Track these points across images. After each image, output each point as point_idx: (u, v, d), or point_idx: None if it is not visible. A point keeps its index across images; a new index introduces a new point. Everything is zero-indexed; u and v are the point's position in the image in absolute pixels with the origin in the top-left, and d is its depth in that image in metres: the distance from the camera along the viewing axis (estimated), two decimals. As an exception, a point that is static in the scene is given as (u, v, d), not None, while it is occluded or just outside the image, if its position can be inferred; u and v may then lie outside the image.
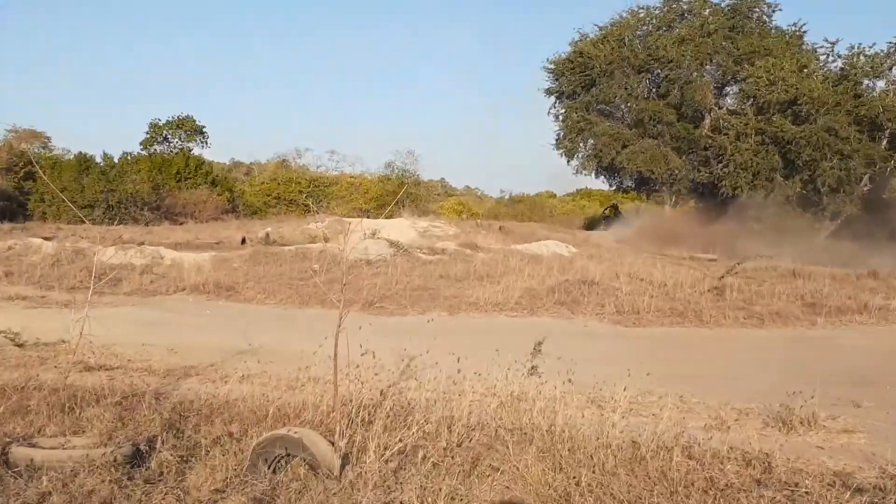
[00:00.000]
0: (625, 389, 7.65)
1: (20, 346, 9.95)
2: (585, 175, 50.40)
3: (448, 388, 7.91)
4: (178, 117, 59.46)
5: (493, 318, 15.18)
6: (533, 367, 8.45)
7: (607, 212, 47.51)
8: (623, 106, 47.86)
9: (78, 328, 8.47)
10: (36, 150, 58.32)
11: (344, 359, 7.87)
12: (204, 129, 60.26)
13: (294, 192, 59.92)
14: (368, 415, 6.72)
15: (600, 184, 57.83)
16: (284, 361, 9.66)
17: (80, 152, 51.56)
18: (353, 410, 6.79)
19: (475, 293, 16.65)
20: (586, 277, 18.33)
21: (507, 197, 78.23)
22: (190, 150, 58.00)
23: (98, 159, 51.50)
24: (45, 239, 22.63)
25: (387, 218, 42.20)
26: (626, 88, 46.31)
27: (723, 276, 18.76)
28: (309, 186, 61.09)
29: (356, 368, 7.39)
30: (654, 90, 47.14)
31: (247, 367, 9.59)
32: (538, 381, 7.99)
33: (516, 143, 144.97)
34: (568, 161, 50.12)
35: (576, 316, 15.41)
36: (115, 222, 40.72)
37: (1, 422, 6.71)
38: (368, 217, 42.05)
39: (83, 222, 40.52)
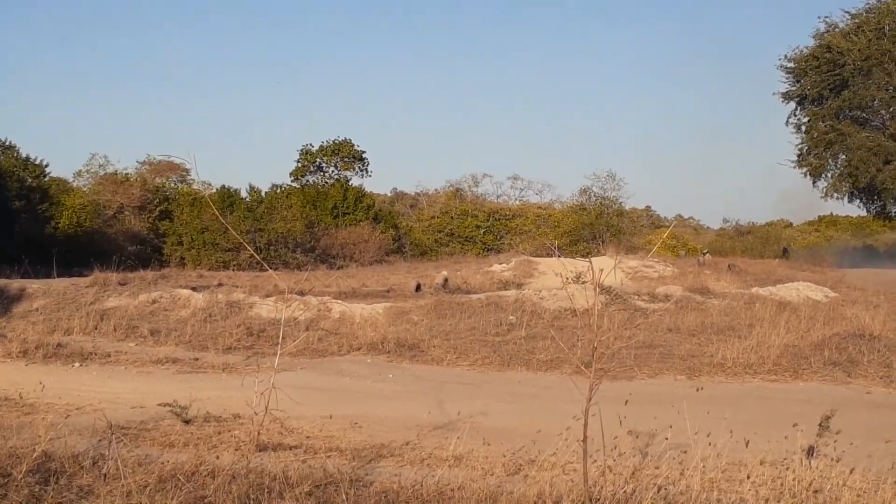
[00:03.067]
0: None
1: (187, 422, 10.19)
2: (837, 199, 48.67)
3: (716, 475, 7.55)
4: (333, 142, 61.11)
5: (745, 382, 14.62)
6: (811, 448, 7.98)
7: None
8: (884, 111, 45.89)
9: (256, 399, 8.58)
10: (173, 184, 61.05)
11: (566, 432, 7.67)
12: (364, 156, 61.67)
13: (470, 227, 60.46)
14: (627, 513, 6.45)
15: (853, 209, 55.67)
16: (494, 438, 9.51)
17: (224, 186, 53.82)
18: (605, 505, 6.54)
19: (718, 351, 16.11)
20: (861, 330, 17.47)
21: (731, 227, 76.58)
22: (348, 181, 59.53)
23: (243, 193, 53.50)
24: (194, 290, 23.49)
25: (585, 256, 41.94)
26: (887, 90, 44.34)
27: None
28: (488, 220, 61.55)
29: (590, 444, 7.11)
30: (924, 90, 44.99)
31: (452, 447, 9.42)
32: (829, 466, 7.53)
33: (739, 162, 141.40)
34: (813, 182, 48.48)
35: (854, 380, 14.67)
36: (263, 267, 41.75)
37: (176, 518, 6.79)
38: (560, 255, 41.88)
39: (227, 268, 42.11)
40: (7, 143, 50.20)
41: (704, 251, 47.97)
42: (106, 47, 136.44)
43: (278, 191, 55.82)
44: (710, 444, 7.61)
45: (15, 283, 25.20)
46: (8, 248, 38.91)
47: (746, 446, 7.53)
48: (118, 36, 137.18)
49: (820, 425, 8.19)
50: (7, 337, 17.25)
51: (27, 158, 50.45)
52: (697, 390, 9.66)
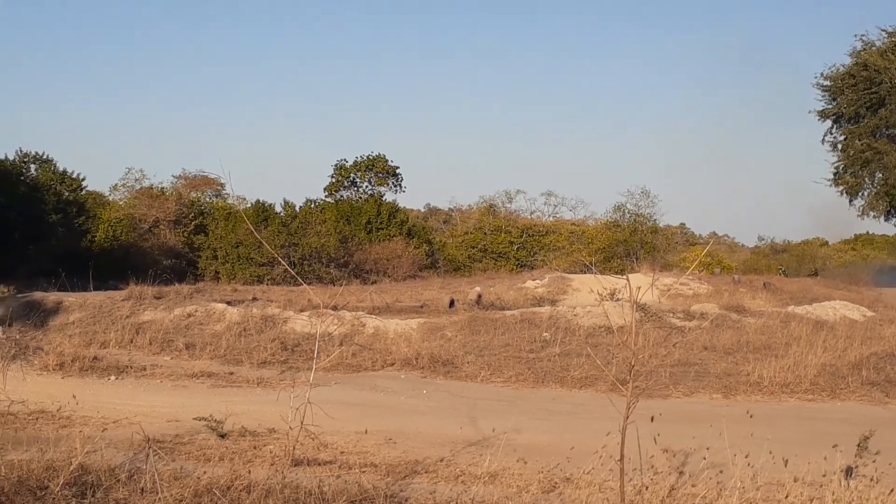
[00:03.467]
0: None
1: (223, 436, 10.22)
2: (874, 217, 48.05)
3: (753, 496, 7.50)
4: (367, 157, 61.30)
5: (782, 402, 14.54)
6: (849, 469, 7.91)
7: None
8: (922, 131, 45.39)
9: (292, 414, 8.60)
10: (208, 199, 61.34)
11: (602, 449, 7.63)
12: (398, 171, 61.84)
13: (504, 243, 60.42)
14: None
15: (889, 228, 55.13)
16: (528, 455, 9.47)
17: (258, 200, 53.99)
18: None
19: (755, 370, 16.02)
20: (900, 350, 17.37)
21: (766, 245, 76.12)
22: (381, 196, 59.60)
23: (278, 208, 53.69)
24: (229, 304, 23.59)
25: (620, 273, 41.77)
26: (925, 109, 43.90)
27: None
28: (521, 236, 61.50)
29: (626, 463, 7.07)
30: (961, 110, 44.43)
31: (486, 464, 9.40)
32: (867, 487, 7.46)
33: (774, 180, 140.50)
34: (850, 200, 47.99)
35: (892, 400, 14.59)
36: (297, 282, 41.59)
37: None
38: (594, 272, 41.73)
39: (261, 283, 42.25)
40: (44, 157, 50.61)
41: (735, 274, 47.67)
42: (142, 62, 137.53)
43: (312, 206, 56.01)
44: (748, 464, 7.56)
45: (52, 297, 25.41)
46: (45, 261, 39.23)
47: (785, 466, 7.48)
48: (154, 51, 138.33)
49: (858, 445, 8.11)
50: (44, 350, 17.36)
51: (64, 172, 50.80)
52: (749, 416, 9.54)
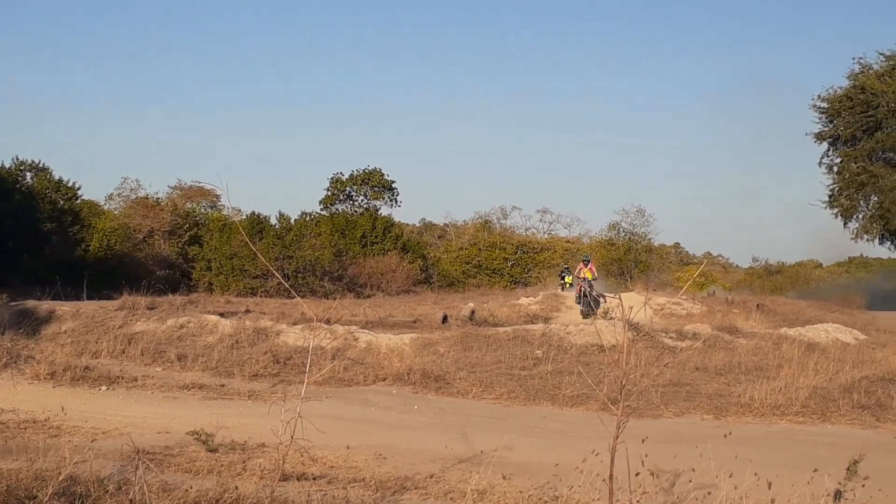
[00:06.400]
0: None
1: (213, 449, 10.21)
2: (868, 240, 48.15)
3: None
4: (363, 171, 61.42)
5: (772, 424, 14.50)
6: (838, 493, 7.91)
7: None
8: (917, 154, 45.55)
9: (282, 428, 8.60)
10: (203, 210, 61.39)
11: (587, 467, 7.65)
12: (393, 185, 61.96)
13: (498, 259, 60.49)
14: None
15: (884, 251, 55.19)
16: (518, 473, 9.48)
17: (253, 213, 54.07)
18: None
19: (746, 391, 16.00)
20: (891, 374, 17.33)
21: (760, 266, 76.31)
22: (377, 210, 59.79)
23: (273, 220, 53.75)
24: (221, 316, 23.56)
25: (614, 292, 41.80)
26: (921, 132, 44.06)
27: None
28: (516, 253, 61.60)
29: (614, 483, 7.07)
30: (957, 134, 44.57)
31: (476, 482, 9.37)
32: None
33: (769, 201, 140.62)
34: (844, 223, 48.08)
35: (882, 424, 14.50)
36: (291, 295, 41.49)
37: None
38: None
39: (255, 295, 42.22)
40: (41, 166, 50.68)
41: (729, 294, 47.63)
42: (139, 73, 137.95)
43: (307, 218, 56.15)
44: (734, 487, 7.56)
45: (44, 305, 25.37)
46: (39, 269, 39.22)
47: (769, 488, 7.48)
48: (151, 63, 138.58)
49: (848, 469, 8.11)
50: (35, 359, 17.30)
51: (60, 181, 50.86)
52: (725, 436, 9.59)
